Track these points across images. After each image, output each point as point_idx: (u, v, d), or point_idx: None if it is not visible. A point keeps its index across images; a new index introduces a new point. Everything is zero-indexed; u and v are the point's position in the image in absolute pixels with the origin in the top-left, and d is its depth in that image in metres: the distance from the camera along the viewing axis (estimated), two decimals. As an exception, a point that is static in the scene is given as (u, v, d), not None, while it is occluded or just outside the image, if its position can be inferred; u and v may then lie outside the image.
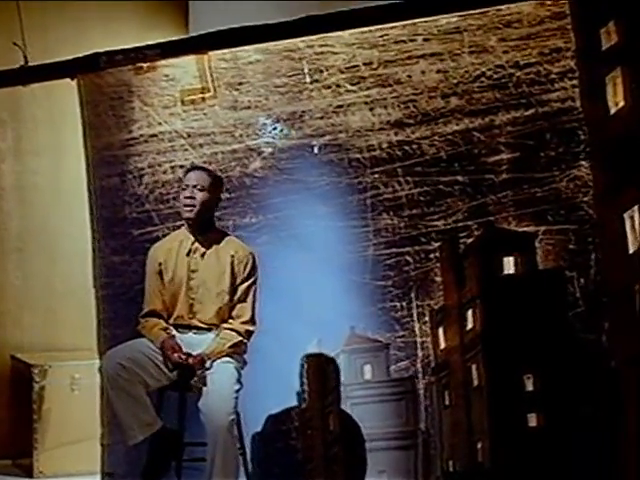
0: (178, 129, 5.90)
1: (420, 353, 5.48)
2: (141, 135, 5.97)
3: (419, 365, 5.48)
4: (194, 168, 5.21)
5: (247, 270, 5.05)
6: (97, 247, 6.01)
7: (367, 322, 5.57)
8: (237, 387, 4.94)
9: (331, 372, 5.61)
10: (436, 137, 5.48)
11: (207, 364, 4.83)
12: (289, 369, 5.64)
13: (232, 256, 5.04)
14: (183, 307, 5.05)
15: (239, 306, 5.03)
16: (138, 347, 4.99)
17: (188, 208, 5.02)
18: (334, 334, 5.62)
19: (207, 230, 5.12)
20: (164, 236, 5.59)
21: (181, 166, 5.86)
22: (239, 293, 5.02)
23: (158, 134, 5.94)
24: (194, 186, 5.03)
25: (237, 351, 5.09)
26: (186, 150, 5.89)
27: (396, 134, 5.55)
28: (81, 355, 6.49)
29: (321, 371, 5.59)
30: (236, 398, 4.88)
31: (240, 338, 4.96)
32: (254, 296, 5.08)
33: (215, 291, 5.03)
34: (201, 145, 5.86)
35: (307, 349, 5.63)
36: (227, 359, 5.01)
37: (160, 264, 5.07)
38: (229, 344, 4.94)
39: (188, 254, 5.07)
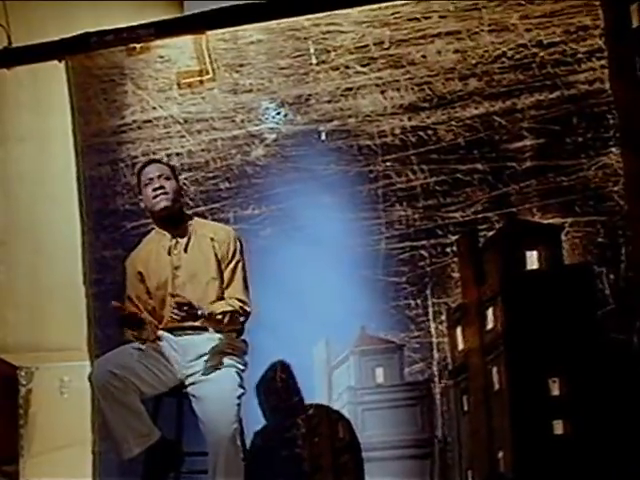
0: (174, 114, 5.82)
1: (436, 355, 5.38)
2: (134, 121, 5.88)
3: (435, 368, 5.38)
4: (147, 163, 4.97)
5: (230, 250, 4.82)
6: (87, 241, 5.94)
7: (379, 321, 5.46)
8: (239, 392, 4.66)
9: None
10: (453, 122, 5.39)
11: (199, 312, 4.58)
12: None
13: (212, 239, 4.83)
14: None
15: (228, 290, 4.80)
16: (130, 352, 4.72)
17: (162, 197, 4.80)
18: (343, 334, 5.51)
19: (181, 221, 4.89)
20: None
21: (177, 154, 5.80)
22: (226, 278, 4.80)
23: (152, 120, 5.86)
24: (159, 176, 4.84)
25: (235, 347, 4.76)
26: (183, 137, 5.79)
27: (410, 119, 5.46)
28: (70, 356, 6.26)
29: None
30: (239, 405, 4.60)
31: (235, 309, 4.70)
32: (244, 277, 4.82)
33: (204, 281, 4.78)
34: (199, 131, 5.77)
35: (314, 351, 5.53)
36: (227, 362, 4.71)
37: (140, 273, 4.85)
38: (224, 309, 4.68)
39: (169, 253, 4.84)
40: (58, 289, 6.52)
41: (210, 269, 4.80)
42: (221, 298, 4.79)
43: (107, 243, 5.89)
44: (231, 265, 4.82)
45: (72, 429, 6.09)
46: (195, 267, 4.82)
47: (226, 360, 4.73)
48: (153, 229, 5.11)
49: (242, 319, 4.78)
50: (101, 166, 5.93)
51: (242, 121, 5.72)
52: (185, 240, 4.86)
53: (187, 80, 5.81)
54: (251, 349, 4.90)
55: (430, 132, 5.43)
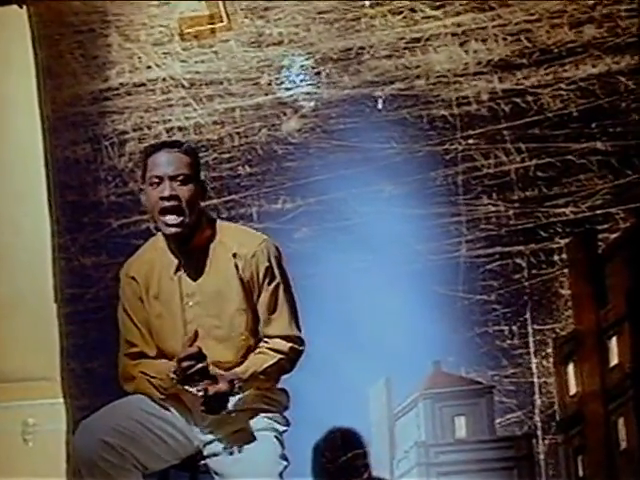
0: (176, 75, 5.47)
1: (539, 400, 5.01)
2: (122, 84, 5.53)
3: (538, 418, 5.00)
4: (160, 147, 4.19)
5: (261, 271, 4.07)
6: (59, 244, 5.54)
7: (459, 355, 5.11)
8: (282, 466, 3.95)
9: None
10: (562, 84, 5.04)
11: (236, 388, 3.99)
12: (340, 420, 5.02)
13: (234, 255, 4.09)
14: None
15: (267, 328, 4.08)
16: (128, 412, 4.01)
17: (174, 217, 4.00)
18: (410, 372, 5.11)
19: (197, 231, 4.17)
20: (156, 228, 4.82)
21: (180, 128, 5.41)
22: (262, 310, 4.08)
23: (147, 83, 5.50)
24: (172, 178, 4.03)
25: (272, 401, 4.01)
26: (187, 105, 5.42)
27: (501, 80, 5.11)
28: (36, 390, 5.78)
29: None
30: (281, 484, 4.17)
31: (281, 356, 4.09)
32: (289, 303, 4.12)
33: (227, 313, 4.07)
34: (210, 98, 5.40)
35: (370, 394, 5.09)
36: (263, 423, 4.00)
37: (138, 283, 4.18)
38: (266, 364, 4.05)
39: (177, 271, 4.17)
40: (22, 306, 5.98)
41: (234, 298, 4.10)
42: (255, 334, 4.08)
43: (86, 247, 5.50)
44: (266, 293, 4.09)
45: (39, 488, 5.99)
46: (213, 295, 4.11)
47: (261, 421, 4.03)
48: (149, 228, 4.84)
49: (292, 362, 4.15)
50: (78, 145, 5.56)
51: (269, 84, 5.38)
52: (201, 257, 4.13)
53: (193, 29, 5.45)
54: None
55: (530, 98, 5.08)
